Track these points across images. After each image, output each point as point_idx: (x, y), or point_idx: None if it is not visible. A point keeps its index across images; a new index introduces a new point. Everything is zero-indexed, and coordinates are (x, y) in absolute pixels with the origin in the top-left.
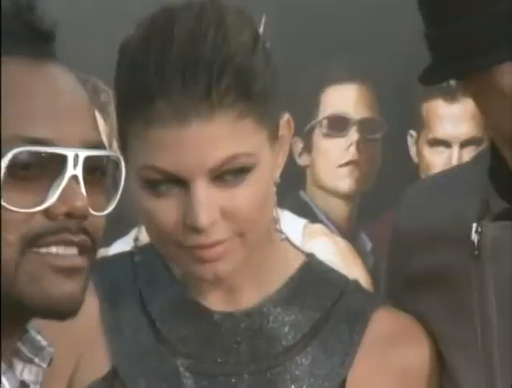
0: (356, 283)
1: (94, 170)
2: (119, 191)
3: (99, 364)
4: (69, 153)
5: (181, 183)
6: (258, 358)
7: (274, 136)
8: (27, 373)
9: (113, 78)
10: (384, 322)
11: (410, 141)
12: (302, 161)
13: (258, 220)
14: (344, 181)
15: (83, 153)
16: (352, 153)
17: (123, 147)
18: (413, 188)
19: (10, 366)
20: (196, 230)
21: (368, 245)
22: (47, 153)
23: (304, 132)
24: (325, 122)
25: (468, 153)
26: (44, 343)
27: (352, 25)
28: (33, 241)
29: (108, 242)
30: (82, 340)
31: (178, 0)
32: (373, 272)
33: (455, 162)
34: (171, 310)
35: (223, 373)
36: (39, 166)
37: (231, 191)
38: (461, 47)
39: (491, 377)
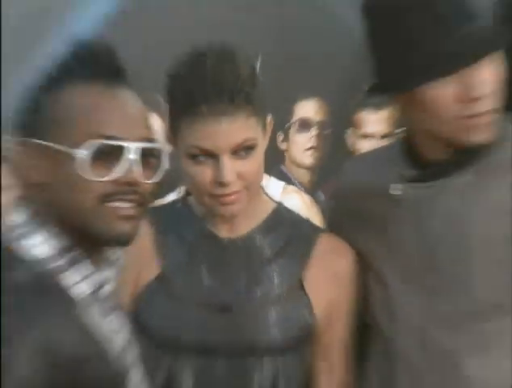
0: (308, 220)
1: (146, 154)
2: (163, 167)
3: (153, 270)
4: (130, 145)
5: (213, 156)
6: (251, 265)
7: (264, 129)
8: (107, 273)
9: (163, 93)
10: (325, 242)
11: (348, 135)
12: (282, 146)
13: (257, 179)
14: (308, 159)
15: (138, 145)
16: (313, 142)
17: (174, 135)
18: (351, 160)
19: (99, 269)
20: (222, 185)
21: (322, 197)
22: (115, 145)
23: (284, 129)
24: (297, 123)
25: (385, 142)
26: (116, 257)
27: (313, 56)
28: (105, 198)
29: (162, 195)
30: (143, 256)
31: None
32: (324, 214)
33: None
34: (196, 236)
35: (230, 273)
36: (111, 152)
37: (243, 162)
38: (393, 74)
39: (403, 272)
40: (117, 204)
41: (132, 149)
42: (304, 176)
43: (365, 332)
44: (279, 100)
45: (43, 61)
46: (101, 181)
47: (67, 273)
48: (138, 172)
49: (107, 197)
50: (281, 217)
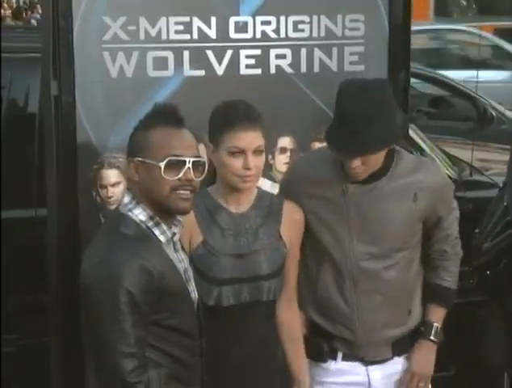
0: (273, 194)
1: (196, 164)
2: (204, 171)
3: (199, 237)
4: (187, 159)
5: (243, 152)
6: (250, 228)
7: (264, 144)
8: (175, 229)
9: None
10: (287, 205)
11: None
12: (270, 161)
13: (261, 172)
14: (284, 168)
15: (192, 159)
16: (288, 160)
17: (216, 144)
18: (302, 157)
19: (171, 227)
20: (247, 169)
21: None
22: (180, 159)
23: (272, 152)
24: (279, 149)
25: None
26: (180, 219)
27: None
28: (174, 188)
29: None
30: (191, 226)
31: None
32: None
33: None
34: (217, 213)
35: (240, 234)
36: (178, 163)
37: (257, 159)
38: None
39: (342, 243)
40: (181, 191)
41: (189, 162)
42: (280, 178)
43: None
44: (269, 135)
45: (142, 111)
46: (172, 179)
47: (154, 229)
48: (192, 174)
49: (175, 188)
50: (262, 195)
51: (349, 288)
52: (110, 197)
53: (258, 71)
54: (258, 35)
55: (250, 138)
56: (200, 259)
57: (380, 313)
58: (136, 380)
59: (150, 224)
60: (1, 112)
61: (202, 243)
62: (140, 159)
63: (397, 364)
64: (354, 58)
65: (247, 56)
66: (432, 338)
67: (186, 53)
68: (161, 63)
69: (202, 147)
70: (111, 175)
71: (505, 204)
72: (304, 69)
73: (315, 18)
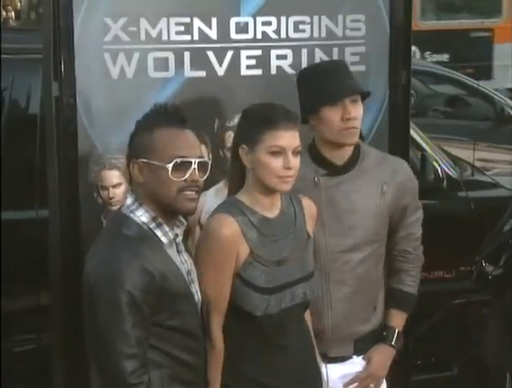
0: (293, 193)
1: (200, 164)
2: (208, 171)
3: (246, 249)
4: (193, 160)
5: (283, 152)
6: (285, 234)
7: None
8: (178, 230)
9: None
10: (305, 202)
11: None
12: None
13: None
14: None
15: (197, 160)
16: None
17: (253, 144)
18: None
19: (173, 228)
20: (287, 168)
21: None
22: (185, 161)
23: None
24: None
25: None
26: (183, 221)
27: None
28: (181, 189)
29: (207, 188)
30: (237, 241)
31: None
32: None
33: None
34: (257, 220)
35: (276, 235)
36: (183, 164)
37: (296, 159)
38: (309, 102)
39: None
40: (187, 192)
41: (195, 162)
42: None
43: None
44: None
45: (143, 112)
46: (178, 180)
47: (156, 230)
48: (197, 175)
49: (182, 189)
50: (283, 197)
51: (320, 279)
52: (111, 198)
53: (259, 72)
54: (259, 36)
55: (291, 137)
56: (251, 270)
57: (349, 305)
58: (137, 381)
59: (152, 225)
60: (2, 113)
61: (250, 255)
62: (144, 161)
63: (355, 365)
64: (355, 58)
65: (248, 57)
66: (393, 343)
67: (186, 54)
68: (161, 64)
69: (203, 148)
70: (113, 176)
71: None
72: None
73: (316, 18)
